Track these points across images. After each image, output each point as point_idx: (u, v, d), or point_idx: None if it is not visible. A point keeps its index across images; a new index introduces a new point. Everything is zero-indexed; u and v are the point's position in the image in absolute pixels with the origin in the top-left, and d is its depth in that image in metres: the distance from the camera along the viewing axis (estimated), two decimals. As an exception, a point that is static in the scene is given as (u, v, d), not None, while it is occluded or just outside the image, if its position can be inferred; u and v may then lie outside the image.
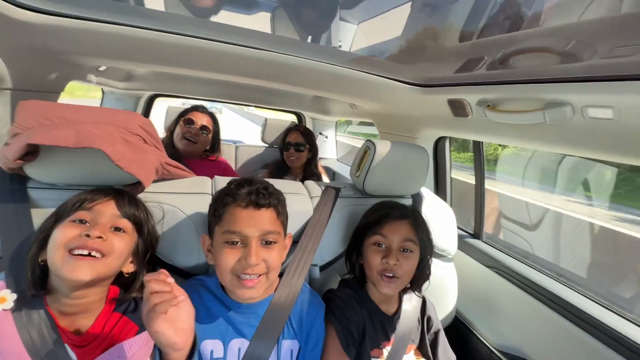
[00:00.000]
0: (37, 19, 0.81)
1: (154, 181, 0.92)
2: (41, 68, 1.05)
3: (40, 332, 0.63)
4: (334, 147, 2.98)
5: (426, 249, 0.95)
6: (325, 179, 2.14)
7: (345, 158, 3.07)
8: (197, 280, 0.83)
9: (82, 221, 0.67)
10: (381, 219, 0.93)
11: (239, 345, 0.76)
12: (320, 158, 2.95)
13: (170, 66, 1.14)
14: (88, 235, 0.64)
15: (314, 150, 2.05)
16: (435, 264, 1.24)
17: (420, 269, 0.94)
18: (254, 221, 0.72)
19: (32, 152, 0.71)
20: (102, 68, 1.45)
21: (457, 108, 1.17)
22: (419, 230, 0.94)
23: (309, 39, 2.49)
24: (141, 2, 1.33)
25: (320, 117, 2.76)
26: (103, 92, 2.09)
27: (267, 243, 0.74)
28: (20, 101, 0.75)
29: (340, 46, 2.40)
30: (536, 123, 0.89)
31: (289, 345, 0.81)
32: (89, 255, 0.64)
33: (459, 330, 1.34)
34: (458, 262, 1.33)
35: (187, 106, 1.84)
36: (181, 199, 0.92)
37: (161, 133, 1.80)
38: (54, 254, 0.63)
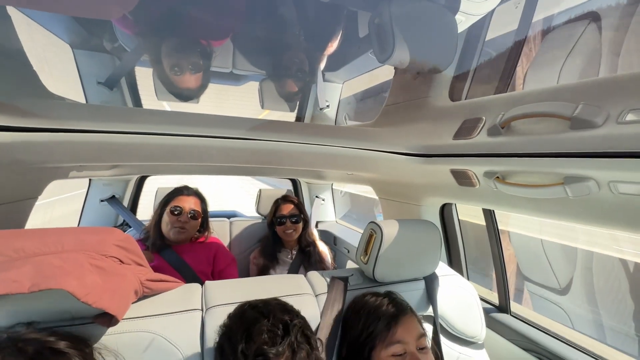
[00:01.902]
0: (4, 138, 0.74)
1: (134, 302, 0.79)
2: (14, 179, 0.97)
3: None
4: (332, 209, 2.88)
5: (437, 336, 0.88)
6: (323, 246, 2.00)
7: (346, 217, 2.96)
8: None
9: None
10: (389, 325, 0.80)
11: None
12: (318, 222, 2.84)
13: (157, 162, 1.08)
14: None
15: (306, 219, 1.95)
16: (467, 353, 1.07)
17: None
18: None
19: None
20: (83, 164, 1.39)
21: (462, 178, 1.10)
22: (420, 319, 0.86)
23: (297, 106, 2.55)
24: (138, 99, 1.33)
25: (317, 181, 2.71)
26: (90, 180, 2.03)
27: None
28: None
29: (328, 107, 2.45)
30: (558, 198, 0.81)
31: None
32: None
33: None
34: (488, 344, 1.16)
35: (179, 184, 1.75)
36: (167, 323, 0.78)
37: (151, 215, 1.70)
38: None
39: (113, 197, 2.14)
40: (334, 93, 2.49)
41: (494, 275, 1.34)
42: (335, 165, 1.31)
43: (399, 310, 0.83)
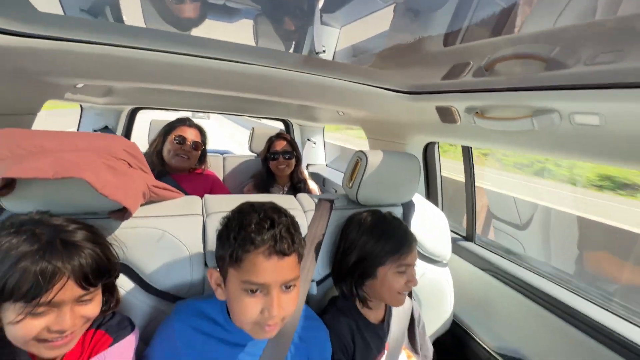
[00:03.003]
0: (9, 42, 0.76)
1: (142, 205, 0.89)
2: (15, 90, 0.99)
3: None
4: (322, 153, 2.97)
5: None
6: (313, 184, 2.12)
7: (334, 163, 3.06)
8: (192, 306, 0.79)
9: (45, 312, 0.57)
10: (406, 250, 0.91)
11: None
12: (309, 164, 2.94)
13: (152, 82, 1.10)
14: (60, 331, 0.57)
15: (298, 156, 2.03)
16: (431, 270, 1.25)
17: None
18: (278, 272, 0.67)
19: (8, 185, 0.67)
20: (79, 85, 1.40)
21: (446, 115, 1.17)
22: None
23: (292, 47, 2.49)
24: (120, 18, 1.29)
25: (308, 123, 2.74)
26: (82, 108, 2.02)
27: (287, 287, 0.70)
28: None
29: (324, 51, 2.40)
30: (525, 130, 0.90)
31: None
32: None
33: (457, 335, 1.34)
34: (453, 265, 1.34)
35: (171, 119, 1.78)
36: (171, 222, 0.89)
37: (144, 147, 1.75)
38: (22, 345, 0.57)
39: (106, 127, 2.15)
40: (331, 37, 2.42)
41: (464, 224, 1.50)
42: (327, 99, 1.36)
43: (411, 240, 0.93)
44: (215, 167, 2.21)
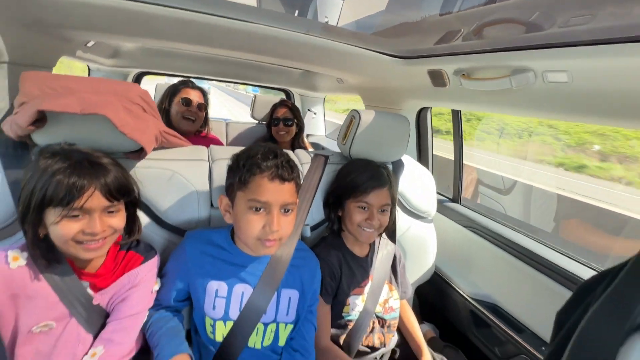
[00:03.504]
0: None
1: (154, 149, 0.98)
2: (34, 42, 1.07)
3: (60, 274, 0.72)
4: (322, 124, 3.03)
5: (394, 204, 1.11)
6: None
7: (333, 134, 3.14)
8: (201, 234, 0.91)
9: (77, 216, 0.68)
10: (366, 189, 1.02)
11: (243, 290, 0.86)
12: (309, 135, 3.01)
13: (158, 39, 1.17)
14: (92, 234, 0.69)
15: (300, 124, 2.11)
16: (416, 225, 1.36)
17: (390, 220, 1.08)
18: (278, 194, 0.79)
19: (40, 120, 0.77)
20: (90, 44, 1.46)
21: (437, 78, 1.25)
22: (393, 191, 1.07)
23: (296, 13, 2.49)
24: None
25: (309, 93, 2.79)
26: (89, 69, 2.07)
27: (286, 211, 0.82)
28: (24, 72, 0.79)
29: (326, 21, 2.42)
30: (504, 89, 0.98)
31: (287, 294, 0.91)
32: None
33: (438, 284, 1.48)
34: (438, 224, 1.45)
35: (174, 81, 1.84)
36: (181, 165, 0.99)
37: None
38: (64, 245, 0.69)
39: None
40: (335, 9, 2.43)
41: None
42: (328, 63, 1.42)
43: (378, 183, 1.03)
44: (218, 133, 2.30)
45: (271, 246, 0.81)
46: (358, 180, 1.05)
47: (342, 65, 1.50)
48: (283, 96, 2.94)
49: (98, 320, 0.79)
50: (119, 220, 0.74)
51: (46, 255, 0.70)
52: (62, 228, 0.66)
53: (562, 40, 0.78)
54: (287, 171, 0.80)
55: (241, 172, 0.79)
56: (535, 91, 0.93)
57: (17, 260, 0.70)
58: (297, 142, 2.12)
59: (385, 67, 1.40)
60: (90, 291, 0.77)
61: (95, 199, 0.68)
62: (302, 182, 1.12)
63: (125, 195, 0.75)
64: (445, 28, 1.18)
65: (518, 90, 0.95)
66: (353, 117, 1.19)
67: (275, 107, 2.09)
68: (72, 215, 0.66)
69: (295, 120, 2.06)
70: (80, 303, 0.75)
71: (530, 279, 1.17)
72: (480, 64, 1.02)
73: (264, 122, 2.36)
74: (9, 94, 1.03)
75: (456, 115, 1.44)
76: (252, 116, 2.39)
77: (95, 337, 0.78)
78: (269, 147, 0.83)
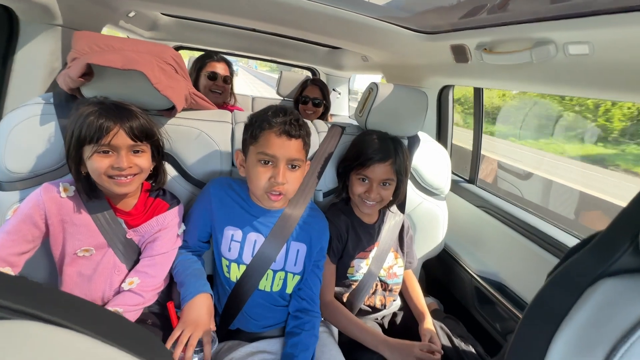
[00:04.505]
0: None
1: (183, 109, 1.08)
2: (84, 8, 1.18)
3: (100, 209, 0.84)
4: (346, 104, 3.05)
5: (402, 179, 1.09)
6: None
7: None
8: (225, 179, 1.00)
9: (106, 152, 0.77)
10: (365, 161, 1.05)
11: (255, 238, 0.95)
12: (332, 114, 3.05)
13: (193, 9, 1.24)
14: (120, 169, 0.79)
15: (328, 105, 2.12)
16: (429, 201, 1.39)
17: (396, 192, 1.10)
18: (285, 149, 0.85)
19: (88, 73, 0.87)
20: (131, 14, 1.57)
21: (459, 54, 1.24)
22: (399, 166, 1.06)
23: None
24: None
25: (334, 72, 2.81)
26: (129, 41, 2.22)
27: (293, 167, 0.89)
28: (76, 31, 0.90)
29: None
30: (525, 63, 0.97)
31: (296, 246, 0.99)
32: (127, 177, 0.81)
33: (446, 260, 1.51)
34: (452, 202, 1.47)
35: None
36: (207, 125, 1.08)
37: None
38: (99, 179, 0.79)
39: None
40: None
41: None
42: (351, 36, 1.45)
43: (379, 157, 1.04)
44: (244, 106, 2.39)
45: (276, 200, 0.87)
46: (361, 152, 1.07)
47: (368, 40, 1.52)
48: (308, 74, 2.98)
49: (132, 255, 0.91)
50: (144, 160, 0.84)
51: (87, 190, 0.82)
52: (95, 162, 0.77)
53: (584, 9, 0.76)
54: (294, 128, 0.85)
55: (253, 127, 0.87)
56: (555, 65, 0.91)
57: (66, 191, 0.82)
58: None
59: (409, 43, 1.40)
60: (124, 226, 0.88)
61: (120, 137, 0.78)
62: (317, 148, 1.18)
63: (148, 137, 0.85)
64: (472, 3, 1.17)
65: (538, 64, 0.94)
66: (371, 89, 1.22)
67: (306, 84, 2.09)
68: (102, 150, 0.77)
69: (324, 102, 2.08)
70: (116, 235, 0.87)
71: (539, 259, 1.17)
72: (502, 36, 1.01)
73: (290, 99, 2.41)
74: (61, 55, 1.16)
75: (477, 93, 1.42)
76: (278, 92, 2.46)
77: (129, 270, 0.90)
78: (280, 106, 0.90)
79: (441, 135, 1.68)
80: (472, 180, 1.59)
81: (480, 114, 1.45)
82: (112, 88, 0.91)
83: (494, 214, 1.40)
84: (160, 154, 0.91)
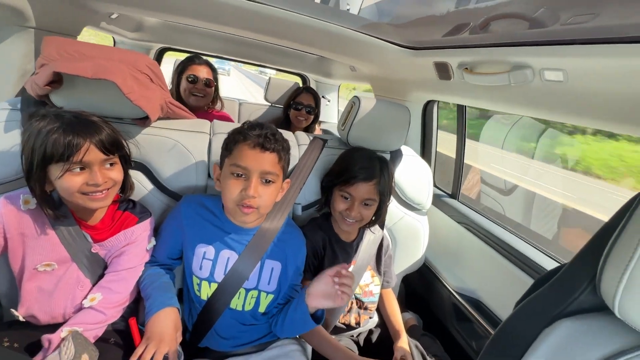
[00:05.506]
0: None
1: (159, 119, 1.05)
2: (60, 10, 1.15)
3: (64, 223, 0.81)
4: (335, 111, 3.05)
5: (385, 200, 1.08)
6: None
7: None
8: (197, 197, 0.97)
9: (80, 168, 0.75)
10: (350, 179, 1.03)
11: (228, 255, 0.92)
12: (321, 121, 3.04)
13: (178, 15, 1.22)
14: (96, 185, 0.76)
15: (318, 114, 2.13)
16: (410, 216, 1.38)
17: (378, 212, 1.09)
18: (258, 161, 0.83)
19: (57, 81, 0.84)
20: (114, 16, 1.54)
21: (442, 71, 1.24)
22: (383, 187, 1.05)
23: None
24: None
25: (324, 80, 2.81)
26: (114, 41, 2.17)
27: (266, 182, 0.86)
28: (45, 36, 0.87)
29: (348, 9, 2.41)
30: (503, 85, 0.98)
31: (270, 264, 0.97)
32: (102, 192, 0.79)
33: (426, 275, 1.51)
34: (433, 217, 1.47)
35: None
36: (183, 135, 1.05)
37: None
38: (71, 197, 0.76)
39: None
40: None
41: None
42: (338, 48, 1.44)
43: (363, 176, 1.03)
44: (231, 112, 2.36)
45: (248, 213, 0.85)
46: (347, 169, 1.06)
47: (353, 52, 1.51)
48: (297, 80, 2.97)
49: (97, 270, 0.88)
50: (117, 172, 0.82)
51: (52, 207, 0.78)
52: (66, 181, 0.73)
53: (560, 37, 0.77)
54: (269, 141, 0.84)
55: (228, 140, 0.87)
56: (533, 89, 0.92)
57: (28, 203, 0.78)
58: (310, 129, 2.15)
59: (394, 57, 1.40)
60: (90, 240, 0.85)
61: (92, 153, 0.75)
62: (297, 162, 1.16)
63: (118, 149, 0.82)
64: (454, 21, 1.18)
65: (516, 87, 0.95)
66: (353, 103, 1.21)
67: (299, 91, 2.09)
68: (73, 169, 0.74)
69: (316, 110, 2.08)
70: (81, 250, 0.83)
71: (516, 279, 1.17)
72: (482, 58, 1.02)
73: (279, 105, 2.40)
74: (34, 58, 1.12)
75: (461, 110, 1.43)
76: (266, 98, 2.44)
77: (94, 285, 0.87)
78: (257, 122, 0.89)
79: (425, 150, 1.68)
80: (454, 195, 1.60)
81: (462, 130, 1.46)
82: (83, 97, 0.88)
83: (474, 231, 1.40)
84: (127, 163, 0.89)
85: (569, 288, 0.47)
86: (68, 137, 0.72)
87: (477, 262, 1.37)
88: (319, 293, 0.87)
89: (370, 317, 1.18)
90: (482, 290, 1.31)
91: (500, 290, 1.23)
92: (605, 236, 0.44)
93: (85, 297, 0.84)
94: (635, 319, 0.38)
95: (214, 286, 0.92)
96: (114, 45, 2.24)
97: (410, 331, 1.25)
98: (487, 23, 0.99)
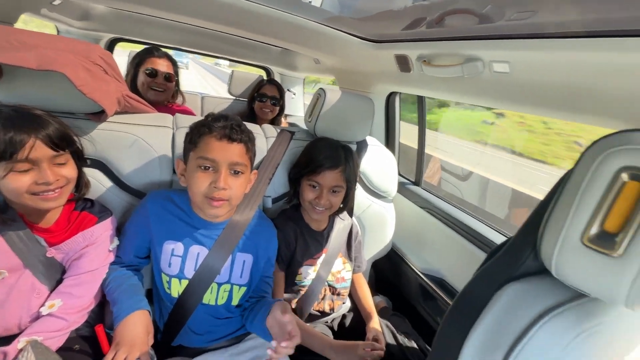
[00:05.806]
0: None
1: (116, 113, 0.99)
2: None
3: (12, 227, 0.75)
4: (301, 104, 3.05)
5: (351, 186, 1.12)
6: None
7: None
8: (164, 193, 0.94)
9: (27, 167, 0.69)
10: (316, 168, 1.06)
11: (198, 251, 0.91)
12: (287, 115, 3.03)
13: (129, 3, 1.15)
14: (46, 183, 0.70)
15: (283, 106, 2.13)
16: (377, 203, 1.44)
17: (346, 199, 1.13)
18: (226, 152, 0.82)
19: (-5, 73, 0.77)
20: (56, 2, 1.41)
21: (402, 63, 1.30)
22: (349, 173, 1.09)
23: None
24: None
25: (288, 73, 2.79)
26: (58, 30, 1.99)
27: (235, 173, 0.85)
28: None
29: (309, 1, 2.41)
30: (458, 77, 1.05)
31: (242, 257, 0.97)
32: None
33: (394, 260, 1.59)
34: (399, 204, 1.54)
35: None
36: (144, 130, 1.01)
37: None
38: (19, 198, 0.70)
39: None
40: None
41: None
42: (301, 40, 1.44)
43: (330, 164, 1.05)
44: (193, 106, 2.27)
45: (219, 206, 0.84)
46: (313, 158, 1.08)
47: (316, 44, 1.52)
48: (262, 73, 2.92)
49: (54, 275, 0.82)
50: (70, 169, 0.77)
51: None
52: (12, 181, 0.68)
53: (505, 32, 0.84)
54: (235, 132, 0.83)
55: (193, 133, 0.84)
56: (483, 80, 1.00)
57: None
58: (276, 122, 2.14)
59: (356, 50, 1.44)
60: (44, 244, 0.80)
61: (38, 149, 0.70)
62: (266, 154, 1.16)
63: (69, 145, 0.77)
64: (413, 15, 1.23)
65: (469, 78, 1.02)
66: (319, 95, 1.23)
67: (263, 83, 2.09)
68: (19, 168, 0.68)
69: (281, 101, 2.08)
70: (34, 255, 0.78)
71: (473, 256, 1.27)
72: (438, 50, 1.08)
73: (243, 99, 2.35)
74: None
75: (420, 101, 1.51)
76: (229, 92, 2.38)
77: (52, 291, 0.81)
78: (221, 114, 0.87)
79: (389, 139, 1.75)
80: (417, 183, 1.68)
81: (422, 120, 1.54)
82: (26, 90, 0.81)
83: (436, 215, 1.49)
84: (81, 160, 0.83)
85: (515, 256, 0.53)
86: (9, 133, 0.67)
87: (439, 243, 1.46)
88: (273, 327, 0.83)
89: (343, 303, 1.22)
90: (444, 269, 1.41)
91: (460, 267, 1.33)
92: (543, 209, 0.50)
93: (42, 305, 0.79)
94: (569, 276, 0.44)
95: (185, 283, 0.90)
96: (57, 34, 2.05)
97: (381, 313, 1.32)
98: (442, 18, 1.06)
